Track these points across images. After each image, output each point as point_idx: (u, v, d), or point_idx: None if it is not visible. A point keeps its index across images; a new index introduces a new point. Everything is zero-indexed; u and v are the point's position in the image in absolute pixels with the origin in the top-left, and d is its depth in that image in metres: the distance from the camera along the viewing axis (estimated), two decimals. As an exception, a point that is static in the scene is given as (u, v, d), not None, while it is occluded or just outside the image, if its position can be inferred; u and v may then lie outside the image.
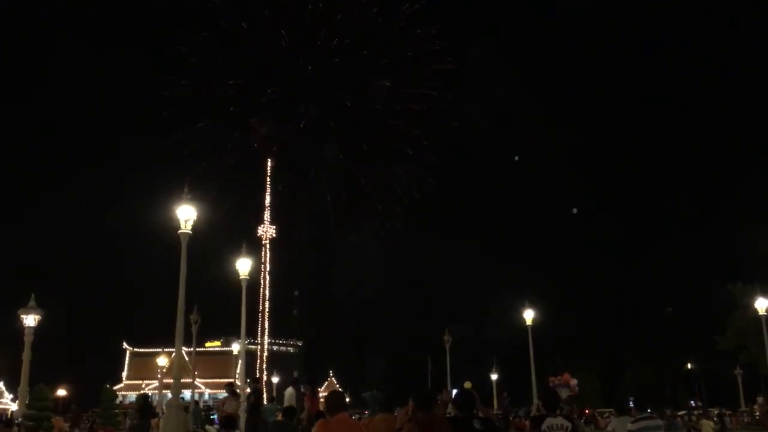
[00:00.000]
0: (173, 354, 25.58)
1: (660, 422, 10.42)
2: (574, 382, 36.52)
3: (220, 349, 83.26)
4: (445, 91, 78.20)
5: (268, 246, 78.65)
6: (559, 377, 36.75)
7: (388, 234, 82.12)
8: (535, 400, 28.80)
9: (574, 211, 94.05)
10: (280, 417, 18.03)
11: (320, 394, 26.99)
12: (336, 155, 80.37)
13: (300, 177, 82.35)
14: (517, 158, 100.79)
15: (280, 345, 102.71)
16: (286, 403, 19.96)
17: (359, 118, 79.42)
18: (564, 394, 32.26)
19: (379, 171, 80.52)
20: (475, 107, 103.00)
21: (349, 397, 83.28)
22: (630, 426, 9.61)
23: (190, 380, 40.35)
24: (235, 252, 29.11)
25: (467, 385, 24.72)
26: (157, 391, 55.91)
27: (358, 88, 79.10)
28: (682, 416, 40.70)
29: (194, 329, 37.82)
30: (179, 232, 19.84)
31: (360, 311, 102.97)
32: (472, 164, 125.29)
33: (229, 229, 75.44)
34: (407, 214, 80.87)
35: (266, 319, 78.93)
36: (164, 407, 25.67)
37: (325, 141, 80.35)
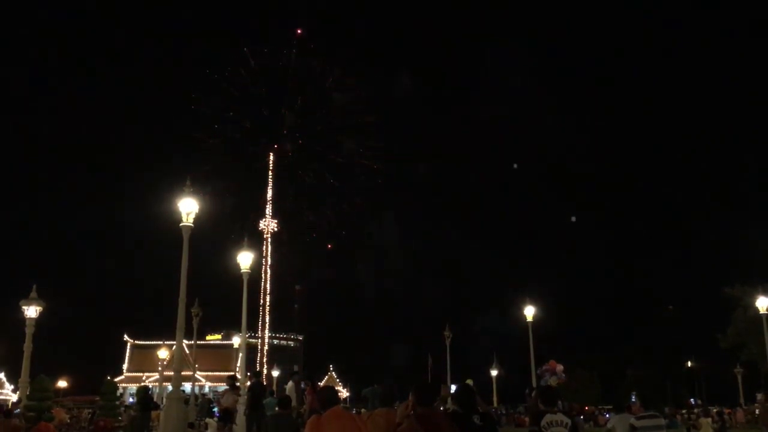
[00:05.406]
0: (174, 346, 25.59)
1: (662, 421, 10.35)
2: (560, 368, 36.08)
3: (221, 342, 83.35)
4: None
5: (269, 240, 78.68)
6: (546, 364, 36.34)
7: (404, 229, 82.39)
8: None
9: (573, 219, 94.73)
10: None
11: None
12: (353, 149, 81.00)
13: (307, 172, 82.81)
14: (516, 166, 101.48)
15: (280, 339, 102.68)
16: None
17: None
18: (553, 381, 32.19)
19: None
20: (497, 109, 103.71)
21: (350, 391, 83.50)
22: (634, 422, 9.57)
23: (190, 373, 40.40)
24: (237, 245, 29.10)
25: (468, 381, 24.72)
26: (157, 384, 56.02)
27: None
28: (681, 414, 40.60)
29: (195, 322, 37.82)
30: (181, 225, 19.82)
31: (373, 304, 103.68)
32: (485, 165, 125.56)
33: (231, 223, 75.66)
34: (423, 210, 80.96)
35: (267, 312, 79.01)
36: (164, 399, 25.68)
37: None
